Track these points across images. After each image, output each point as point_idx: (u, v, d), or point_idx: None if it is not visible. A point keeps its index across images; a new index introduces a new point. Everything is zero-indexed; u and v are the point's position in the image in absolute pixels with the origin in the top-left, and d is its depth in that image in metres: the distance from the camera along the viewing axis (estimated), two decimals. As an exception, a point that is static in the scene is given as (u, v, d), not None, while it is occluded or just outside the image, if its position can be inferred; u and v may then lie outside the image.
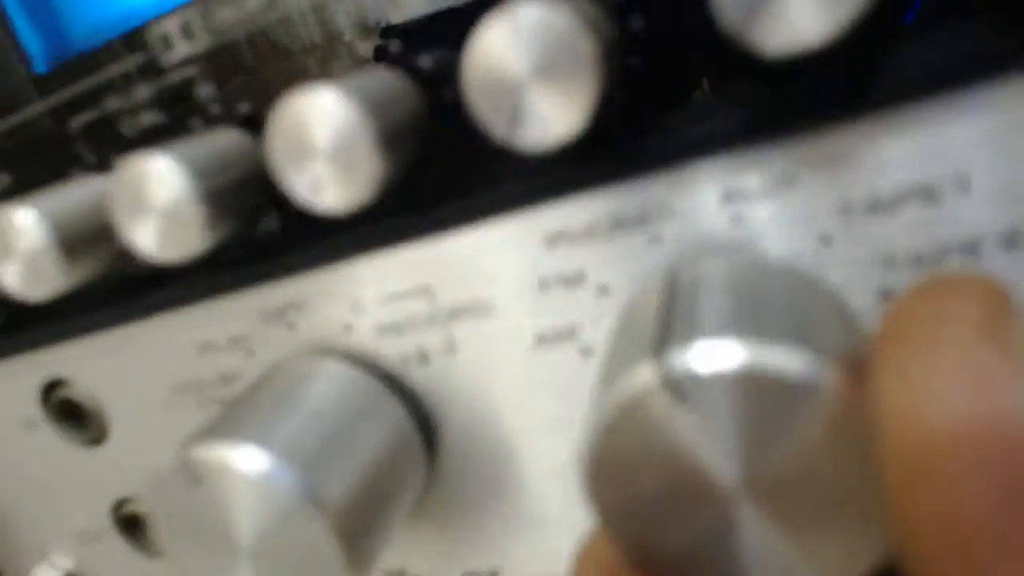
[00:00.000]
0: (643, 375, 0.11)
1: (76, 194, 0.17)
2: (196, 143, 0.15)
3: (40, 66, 0.21)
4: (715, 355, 0.10)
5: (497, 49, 0.12)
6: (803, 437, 0.10)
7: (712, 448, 0.10)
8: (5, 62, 0.20)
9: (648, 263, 0.14)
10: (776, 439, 0.10)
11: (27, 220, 0.16)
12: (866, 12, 0.10)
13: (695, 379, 0.10)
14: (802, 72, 0.12)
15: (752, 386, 0.10)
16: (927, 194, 0.13)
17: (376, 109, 0.13)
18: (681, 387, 0.10)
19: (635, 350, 0.12)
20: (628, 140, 0.14)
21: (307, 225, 0.16)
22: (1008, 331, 0.09)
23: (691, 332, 0.11)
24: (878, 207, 0.13)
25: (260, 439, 0.14)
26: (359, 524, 0.15)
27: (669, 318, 0.12)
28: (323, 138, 0.13)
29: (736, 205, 0.14)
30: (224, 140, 0.16)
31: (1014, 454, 0.08)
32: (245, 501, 0.14)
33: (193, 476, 0.14)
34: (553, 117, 0.12)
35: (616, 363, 0.12)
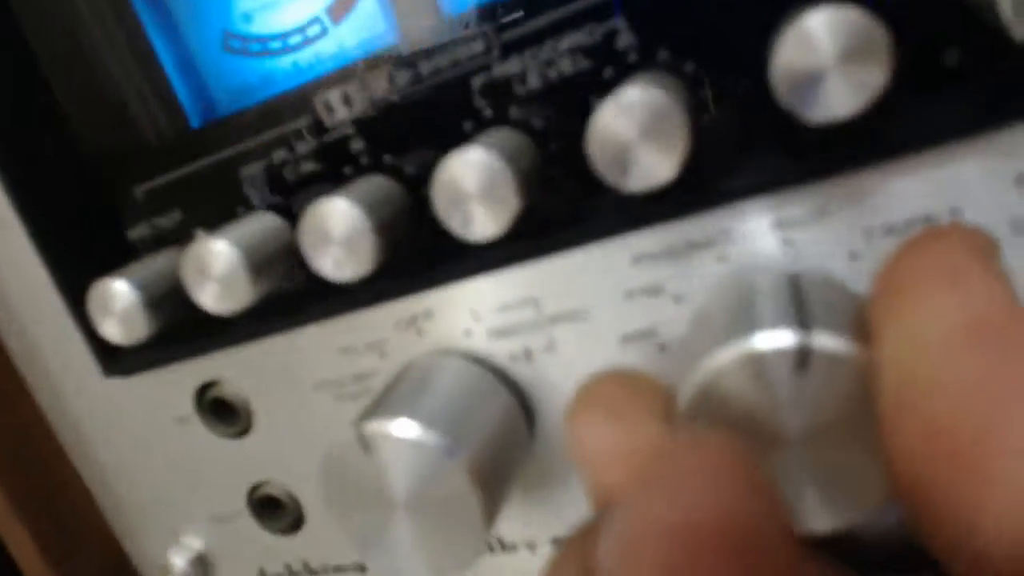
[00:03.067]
0: (739, 348, 0.15)
1: (252, 227, 0.21)
2: (359, 187, 0.20)
3: (195, 122, 0.25)
4: (776, 339, 0.15)
5: (611, 118, 0.16)
6: (840, 394, 0.14)
7: (781, 405, 0.15)
8: (171, 117, 0.25)
9: (715, 277, 0.19)
10: (824, 397, 0.14)
11: (223, 247, 0.20)
12: (885, 91, 0.15)
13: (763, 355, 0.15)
14: (833, 129, 0.17)
15: (807, 360, 0.14)
16: (929, 222, 0.17)
17: (514, 160, 0.18)
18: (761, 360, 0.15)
19: (724, 332, 0.16)
20: (698, 181, 0.18)
21: (440, 248, 0.20)
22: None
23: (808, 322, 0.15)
24: (893, 231, 0.17)
25: (410, 413, 0.19)
26: (489, 476, 0.19)
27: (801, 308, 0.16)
28: (473, 184, 0.17)
29: (784, 231, 0.18)
30: (380, 184, 0.20)
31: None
32: (401, 462, 0.18)
33: (363, 444, 0.18)
34: (654, 168, 0.16)
35: (703, 338, 0.17)
